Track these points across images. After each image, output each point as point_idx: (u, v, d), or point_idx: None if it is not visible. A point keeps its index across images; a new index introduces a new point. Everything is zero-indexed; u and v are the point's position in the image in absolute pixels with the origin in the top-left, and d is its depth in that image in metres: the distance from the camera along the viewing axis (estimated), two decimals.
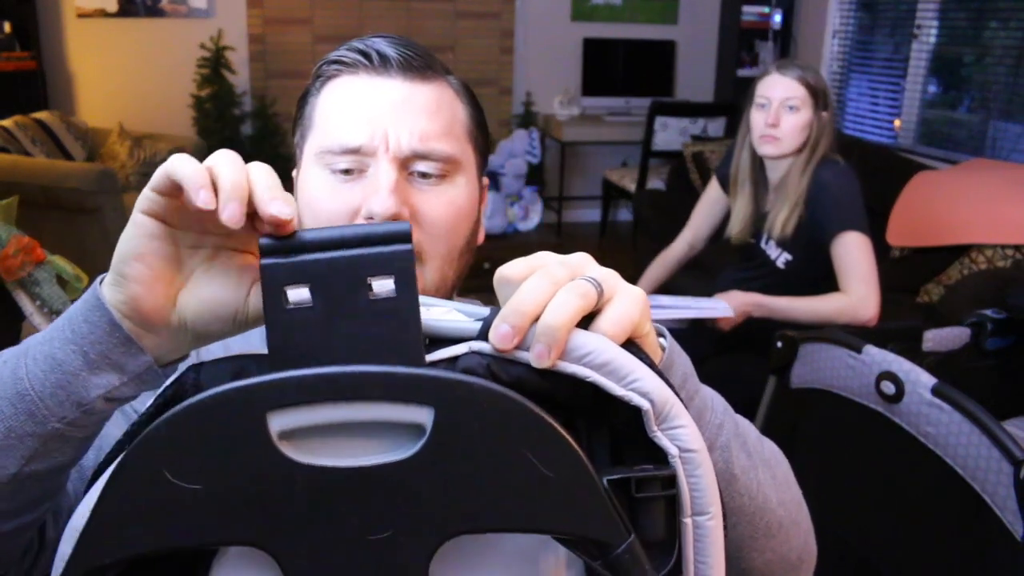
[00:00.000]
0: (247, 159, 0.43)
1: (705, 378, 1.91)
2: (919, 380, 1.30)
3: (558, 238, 4.37)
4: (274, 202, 0.40)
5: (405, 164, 0.68)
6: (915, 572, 1.40)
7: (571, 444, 0.36)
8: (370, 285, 0.38)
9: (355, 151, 0.67)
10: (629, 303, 0.44)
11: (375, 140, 0.67)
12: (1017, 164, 3.04)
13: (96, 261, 3.38)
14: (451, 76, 0.74)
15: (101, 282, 0.47)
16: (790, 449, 1.61)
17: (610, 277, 0.46)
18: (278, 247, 0.39)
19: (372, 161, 0.67)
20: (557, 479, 0.35)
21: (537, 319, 0.40)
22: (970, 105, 3.66)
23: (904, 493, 1.41)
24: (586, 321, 0.43)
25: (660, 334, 0.52)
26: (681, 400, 0.43)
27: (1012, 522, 1.17)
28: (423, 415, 0.35)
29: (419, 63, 0.70)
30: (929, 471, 1.29)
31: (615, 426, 0.44)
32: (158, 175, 0.43)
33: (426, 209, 0.68)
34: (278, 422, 0.34)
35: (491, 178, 3.65)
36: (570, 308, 0.40)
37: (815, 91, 1.83)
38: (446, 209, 0.69)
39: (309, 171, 0.70)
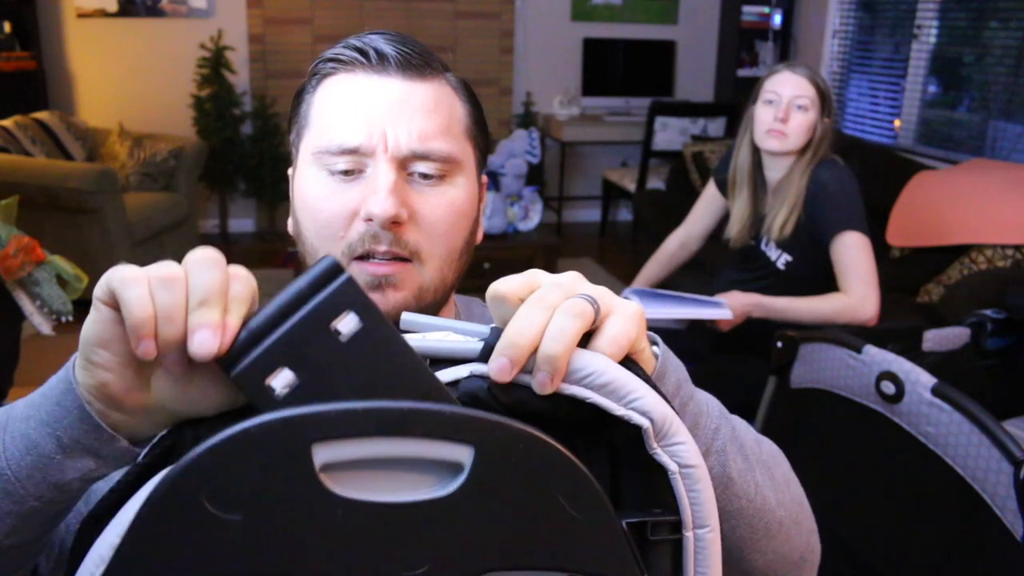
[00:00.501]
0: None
1: (705, 378, 1.91)
2: (919, 380, 1.30)
3: (558, 238, 4.37)
4: (194, 335, 0.38)
5: (404, 164, 0.67)
6: (915, 572, 1.40)
7: (596, 487, 0.37)
8: (337, 331, 0.38)
9: (353, 151, 0.66)
10: (626, 320, 0.44)
11: (373, 140, 0.66)
12: (1017, 164, 3.04)
13: (96, 261, 3.38)
14: (449, 74, 0.73)
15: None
16: (790, 449, 1.61)
17: (604, 294, 0.45)
18: (235, 354, 0.38)
19: (370, 161, 0.66)
20: (582, 520, 0.37)
21: (536, 347, 0.40)
22: (970, 105, 3.66)
23: (904, 493, 1.41)
24: (584, 338, 0.43)
25: (653, 342, 0.52)
26: (675, 409, 0.43)
27: (1012, 522, 1.17)
28: (463, 454, 0.35)
29: (417, 61, 0.68)
30: (929, 471, 1.29)
31: (613, 442, 0.44)
32: (107, 287, 0.41)
33: (425, 210, 0.67)
34: (322, 455, 0.34)
35: (491, 178, 3.64)
36: (569, 333, 0.41)
37: (823, 94, 1.84)
38: (445, 210, 0.68)
39: (306, 171, 0.69)
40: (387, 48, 0.68)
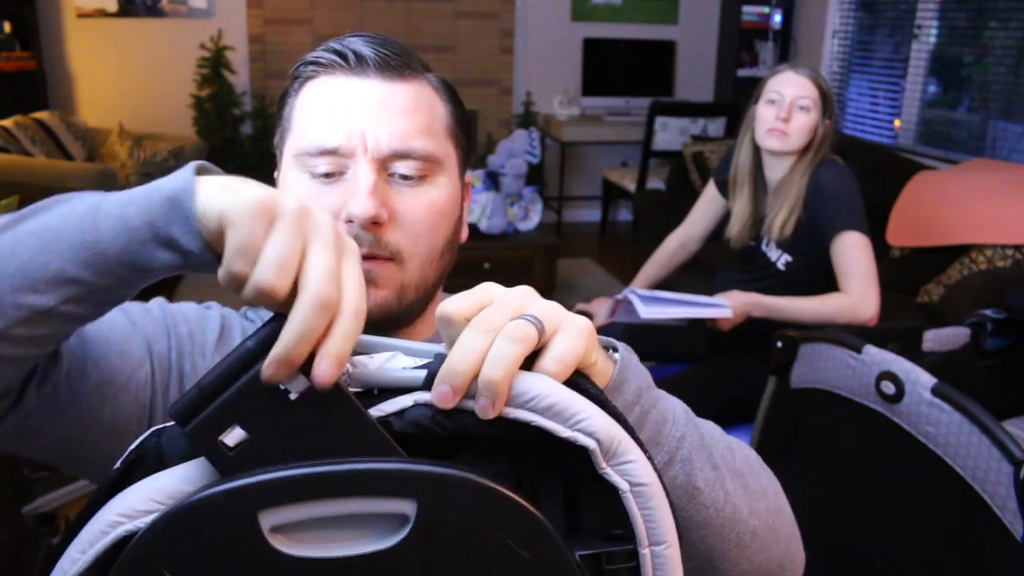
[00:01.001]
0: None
1: (705, 378, 1.91)
2: (919, 380, 1.30)
3: (558, 238, 4.38)
4: (272, 367, 0.38)
5: (385, 165, 0.67)
6: (915, 572, 1.39)
7: (545, 526, 0.37)
8: (286, 390, 0.38)
9: (332, 152, 0.67)
10: (573, 337, 0.44)
11: (352, 141, 0.66)
12: (1017, 164, 3.04)
13: None
14: (430, 74, 0.73)
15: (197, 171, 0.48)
16: (790, 449, 1.61)
17: (552, 312, 0.44)
18: (187, 411, 0.38)
19: (351, 163, 0.67)
20: (534, 560, 0.37)
21: (477, 372, 0.40)
22: (970, 105, 3.66)
23: (904, 493, 1.41)
24: (531, 358, 0.43)
25: (613, 348, 0.52)
26: (631, 430, 0.43)
27: (1012, 522, 1.17)
28: (407, 507, 0.36)
29: (396, 62, 0.69)
30: (929, 471, 1.29)
31: (565, 462, 0.44)
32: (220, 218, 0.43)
33: (406, 210, 0.67)
34: (270, 519, 0.36)
35: (491, 178, 3.64)
36: (508, 358, 0.40)
37: (825, 96, 1.85)
38: (426, 210, 0.68)
39: (288, 173, 0.70)
40: (366, 50, 0.68)
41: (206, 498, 0.35)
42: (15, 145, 3.61)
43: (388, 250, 0.67)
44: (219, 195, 0.45)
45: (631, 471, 0.41)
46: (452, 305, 0.43)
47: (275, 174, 0.76)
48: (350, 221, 0.65)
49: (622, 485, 0.41)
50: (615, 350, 0.52)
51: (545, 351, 0.43)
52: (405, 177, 0.68)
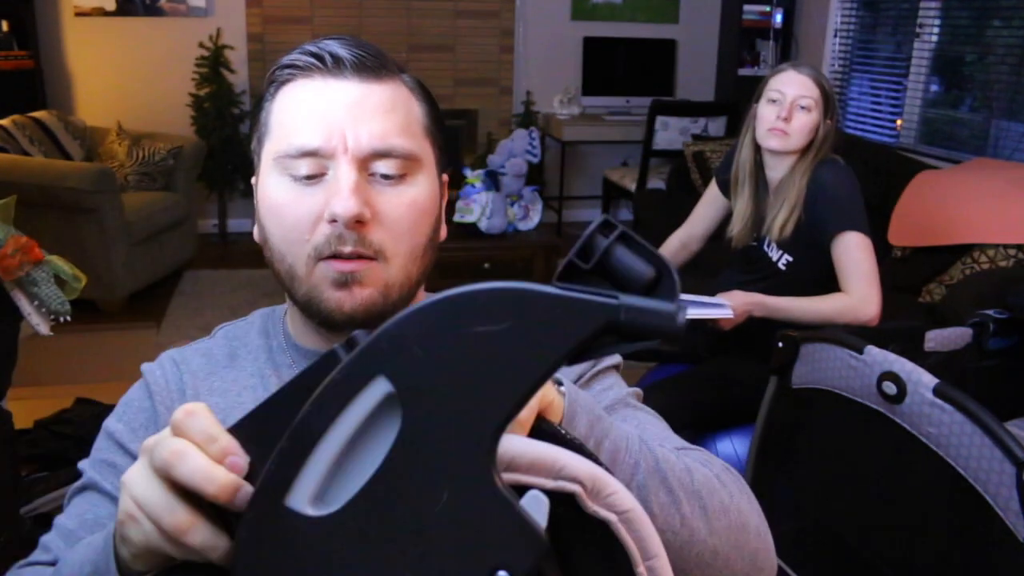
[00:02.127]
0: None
1: (705, 378, 1.89)
2: (921, 380, 1.29)
3: (558, 238, 4.37)
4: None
5: (365, 164, 0.68)
6: (916, 573, 1.39)
7: None
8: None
9: (313, 153, 0.67)
10: None
11: (332, 141, 0.67)
12: (1019, 164, 3.04)
13: (94, 261, 3.37)
14: (405, 74, 0.74)
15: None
16: (791, 449, 1.60)
17: None
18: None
19: (331, 163, 0.67)
20: None
21: None
22: (972, 104, 3.65)
23: (905, 494, 1.41)
24: None
25: (558, 382, 0.53)
26: (597, 459, 0.44)
27: (1015, 523, 1.16)
28: None
29: (372, 63, 0.69)
30: (931, 472, 1.28)
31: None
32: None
33: (387, 209, 0.68)
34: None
35: (491, 178, 3.63)
36: None
37: (827, 95, 1.84)
38: (408, 208, 0.69)
39: (269, 177, 0.70)
40: (342, 51, 0.69)
41: None
42: (13, 144, 3.61)
43: (372, 249, 0.67)
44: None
45: (615, 502, 0.43)
46: None
47: (252, 180, 0.76)
48: (333, 221, 0.66)
49: (611, 517, 0.43)
50: (559, 383, 0.54)
51: None
52: (386, 176, 0.68)
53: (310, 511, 0.37)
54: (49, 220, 3.33)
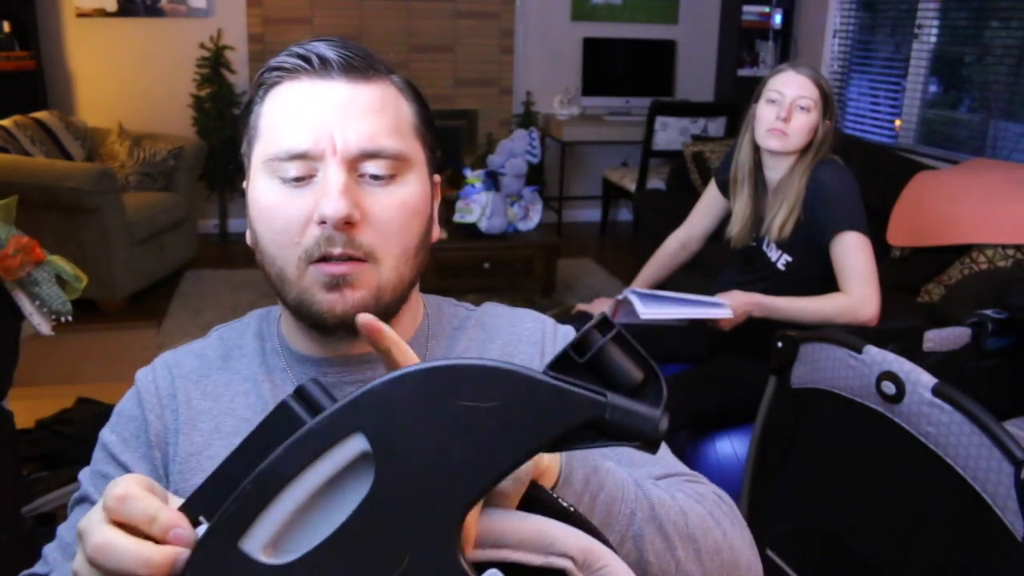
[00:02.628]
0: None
1: (705, 378, 1.90)
2: (919, 380, 1.29)
3: (558, 238, 4.38)
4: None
5: (354, 165, 0.67)
6: (915, 572, 1.39)
7: None
8: None
9: (302, 156, 0.66)
10: None
11: (321, 143, 0.66)
12: (1018, 164, 3.04)
13: (96, 261, 3.37)
14: (394, 75, 0.73)
15: None
16: (790, 449, 1.60)
17: None
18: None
19: (320, 165, 0.67)
20: None
21: None
22: (971, 105, 3.66)
23: (904, 493, 1.41)
24: None
25: None
26: (593, 529, 0.43)
27: (1013, 522, 1.17)
28: None
29: (360, 64, 0.69)
30: (929, 471, 1.29)
31: None
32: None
33: (377, 210, 0.67)
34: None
35: (491, 178, 3.64)
36: None
37: (826, 96, 1.84)
38: (398, 209, 0.68)
39: (258, 180, 0.70)
40: (329, 53, 0.68)
41: None
42: (14, 145, 3.61)
43: (362, 250, 0.66)
44: None
45: (608, 575, 0.42)
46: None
47: (244, 184, 0.75)
48: (323, 223, 0.65)
49: None
50: None
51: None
52: (375, 177, 0.68)
53: (263, 558, 0.36)
54: (50, 220, 3.33)
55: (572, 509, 0.44)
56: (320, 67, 0.68)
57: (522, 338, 0.79)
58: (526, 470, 0.43)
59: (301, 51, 0.69)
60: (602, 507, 0.53)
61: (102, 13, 4.43)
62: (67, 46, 4.45)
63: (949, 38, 3.69)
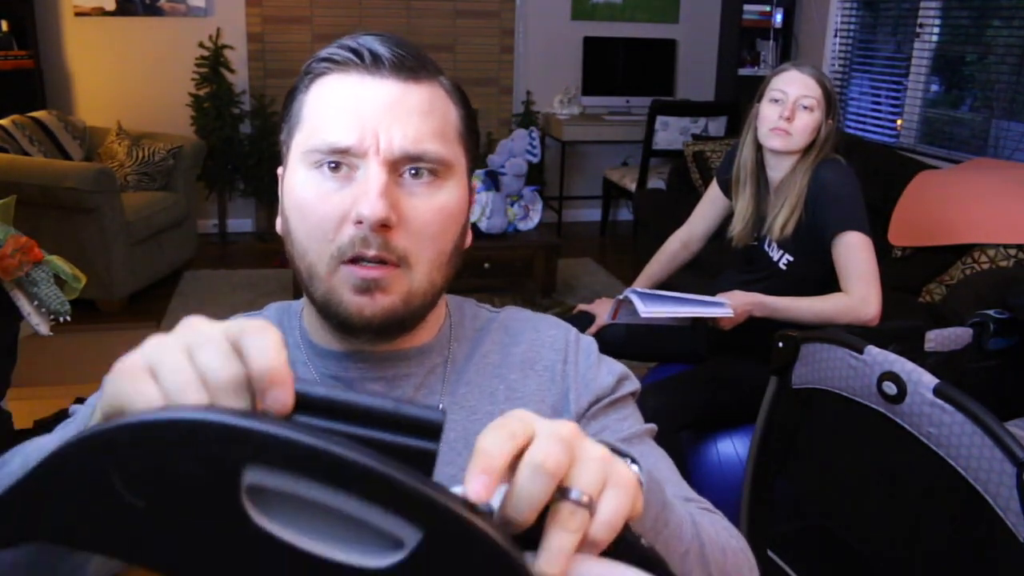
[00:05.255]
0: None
1: (705, 378, 1.89)
2: (921, 380, 1.29)
3: (558, 238, 4.37)
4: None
5: (396, 167, 0.66)
6: (916, 573, 1.39)
7: None
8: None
9: (344, 151, 0.65)
10: (622, 497, 0.41)
11: (366, 141, 0.65)
12: (1019, 163, 3.04)
13: (94, 261, 3.37)
14: (443, 76, 0.72)
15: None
16: (791, 449, 1.60)
17: (598, 468, 0.41)
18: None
19: (362, 163, 0.66)
20: None
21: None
22: (972, 104, 3.65)
23: (906, 494, 1.41)
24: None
25: (633, 460, 0.51)
26: (649, 544, 0.42)
27: (1015, 523, 1.16)
28: (409, 534, 0.32)
29: (412, 63, 0.68)
30: (931, 472, 1.28)
31: None
32: (108, 406, 0.38)
33: (415, 214, 0.66)
34: (253, 475, 0.31)
35: (491, 178, 3.63)
36: (567, 551, 0.38)
37: (829, 95, 1.83)
38: (435, 214, 0.67)
39: (297, 171, 0.69)
40: (382, 49, 0.67)
41: (197, 423, 0.31)
42: (13, 144, 3.60)
43: (396, 254, 0.66)
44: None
45: None
46: (490, 443, 0.39)
47: (278, 170, 0.75)
48: (359, 222, 0.64)
49: None
50: (633, 461, 0.51)
51: (594, 515, 0.40)
52: (415, 179, 0.67)
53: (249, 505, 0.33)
54: (49, 220, 3.33)
55: (651, 551, 0.43)
56: (371, 63, 0.67)
57: (545, 343, 0.78)
58: (622, 517, 0.41)
59: (353, 45, 0.68)
60: (663, 543, 0.52)
61: (101, 12, 4.43)
62: (66, 45, 4.45)
63: (951, 37, 3.69)
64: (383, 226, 0.64)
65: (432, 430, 0.35)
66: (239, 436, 0.31)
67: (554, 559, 0.37)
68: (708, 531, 0.58)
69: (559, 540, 0.38)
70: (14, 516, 0.33)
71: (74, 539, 0.33)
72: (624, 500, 0.41)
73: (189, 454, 0.31)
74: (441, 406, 0.44)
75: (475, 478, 0.37)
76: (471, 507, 0.33)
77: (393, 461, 0.32)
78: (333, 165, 0.66)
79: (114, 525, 0.32)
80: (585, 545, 0.39)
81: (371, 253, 0.65)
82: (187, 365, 0.37)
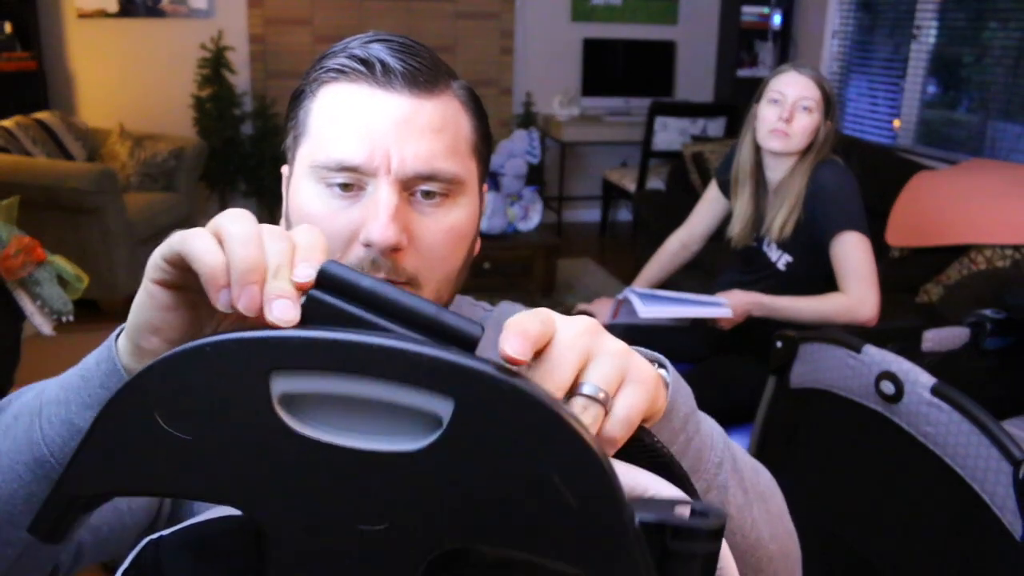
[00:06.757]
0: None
1: (705, 378, 1.90)
2: (918, 380, 1.30)
3: (558, 238, 4.38)
4: (278, 303, 0.37)
5: (407, 186, 0.64)
6: (914, 572, 1.40)
7: (608, 474, 0.31)
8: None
9: (353, 170, 0.63)
10: (639, 392, 0.40)
11: (375, 160, 0.62)
12: (1016, 164, 3.05)
13: (96, 261, 3.38)
14: (456, 83, 0.69)
15: (118, 337, 0.45)
16: (789, 449, 1.61)
17: (615, 364, 0.40)
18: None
19: (371, 181, 0.63)
20: (583, 510, 0.31)
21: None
22: (969, 105, 3.66)
23: (903, 493, 1.42)
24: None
25: (661, 364, 0.50)
26: (689, 484, 0.41)
27: (1011, 522, 1.17)
28: (442, 407, 0.31)
29: (425, 76, 0.65)
30: (928, 471, 1.29)
31: None
32: (169, 249, 0.41)
33: (425, 235, 0.64)
34: (281, 384, 0.32)
35: (491, 178, 3.65)
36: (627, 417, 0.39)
37: (828, 97, 1.84)
38: (446, 235, 0.65)
39: (303, 183, 0.66)
40: (393, 61, 0.64)
41: (216, 344, 0.32)
42: (16, 145, 3.61)
43: (405, 275, 0.64)
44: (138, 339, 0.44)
45: None
46: (519, 318, 0.39)
47: (283, 168, 0.74)
48: (368, 244, 0.62)
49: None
50: (662, 365, 0.50)
51: (609, 414, 0.39)
52: (427, 199, 0.65)
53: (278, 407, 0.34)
54: (51, 220, 3.34)
55: (671, 458, 0.41)
56: (382, 75, 0.64)
57: None
58: (638, 412, 0.40)
59: (362, 55, 0.64)
60: (694, 452, 0.50)
61: (103, 14, 4.44)
62: (68, 47, 4.46)
63: (948, 39, 3.70)
64: (393, 250, 0.63)
65: (468, 343, 0.34)
66: (258, 347, 0.32)
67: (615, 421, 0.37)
68: (738, 449, 0.56)
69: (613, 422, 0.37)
70: (89, 476, 0.34)
71: (146, 486, 0.34)
72: (642, 396, 0.40)
73: (216, 377, 0.32)
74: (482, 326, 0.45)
75: (510, 338, 0.36)
76: (502, 368, 0.32)
77: (411, 335, 0.32)
78: (341, 183, 0.64)
79: (171, 464, 0.33)
80: (601, 442, 0.38)
81: (380, 276, 0.63)
82: (250, 228, 0.40)
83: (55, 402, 0.46)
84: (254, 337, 0.32)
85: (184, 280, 0.42)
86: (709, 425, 0.54)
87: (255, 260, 0.38)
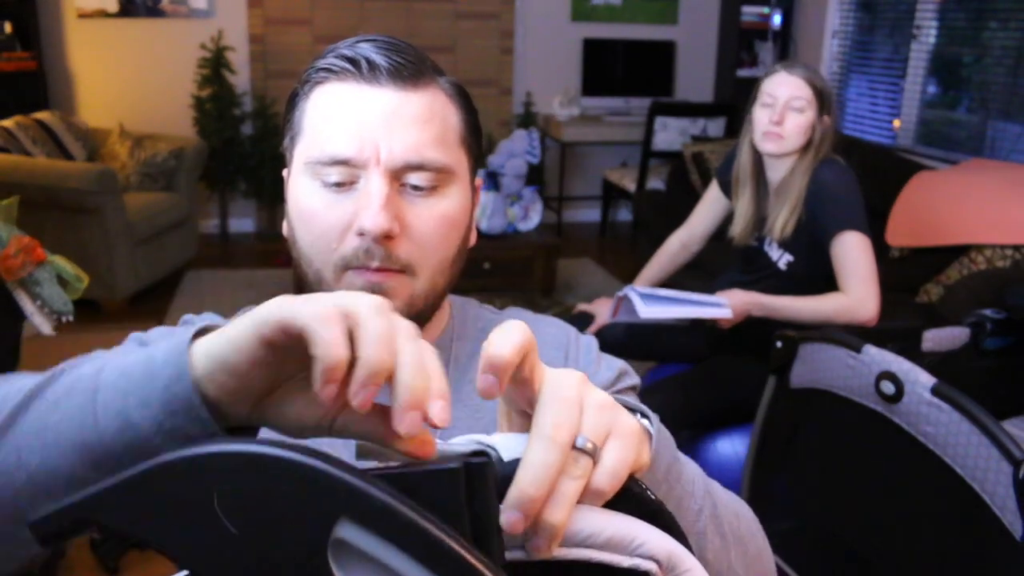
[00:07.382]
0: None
1: (705, 378, 1.90)
2: (918, 380, 1.30)
3: (558, 238, 4.38)
4: (407, 415, 0.36)
5: (397, 176, 0.67)
6: (914, 571, 1.40)
7: None
8: None
9: (345, 163, 0.66)
10: (625, 446, 0.41)
11: (365, 152, 0.66)
12: (1016, 164, 3.05)
13: (96, 261, 3.38)
14: (443, 78, 0.72)
15: (192, 340, 0.43)
16: (789, 449, 1.61)
17: (605, 412, 0.41)
18: None
19: (363, 173, 0.67)
20: None
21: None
22: (969, 105, 3.67)
23: (903, 493, 1.42)
24: None
25: (644, 415, 0.51)
26: (677, 530, 0.42)
27: (1012, 522, 1.17)
28: None
29: (410, 70, 0.68)
30: (928, 471, 1.29)
31: None
32: (293, 321, 0.38)
33: (418, 223, 0.67)
34: (344, 530, 0.32)
35: (491, 178, 3.65)
36: (571, 498, 0.38)
37: (820, 94, 1.83)
38: (438, 222, 0.68)
39: (299, 180, 0.70)
40: (378, 58, 0.67)
41: (309, 466, 0.32)
42: (15, 145, 3.61)
43: (399, 263, 0.67)
44: (225, 348, 0.42)
45: None
46: (502, 347, 0.39)
47: (283, 172, 0.77)
48: (362, 234, 0.65)
49: None
50: (644, 415, 0.51)
51: (597, 466, 0.40)
52: (417, 188, 0.68)
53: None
54: (51, 220, 3.34)
55: (660, 505, 0.43)
56: (368, 72, 0.67)
57: (546, 342, 0.79)
58: (625, 466, 0.40)
59: (350, 54, 0.68)
60: (675, 501, 0.51)
61: (103, 14, 4.44)
62: (68, 47, 4.46)
63: (948, 39, 3.70)
64: (386, 237, 0.65)
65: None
66: (345, 489, 0.32)
67: (557, 505, 0.37)
68: (720, 494, 0.57)
69: (562, 486, 0.38)
70: (117, 511, 0.34)
71: (161, 544, 0.34)
72: (628, 449, 0.40)
73: (292, 491, 0.32)
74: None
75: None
76: None
77: (483, 557, 0.33)
78: (336, 181, 0.67)
79: (201, 540, 0.33)
80: (589, 495, 0.39)
81: (375, 264, 0.66)
82: (387, 326, 0.38)
83: (112, 388, 0.45)
84: (344, 480, 0.32)
85: (291, 346, 0.40)
86: (690, 471, 0.55)
87: (386, 365, 0.37)
